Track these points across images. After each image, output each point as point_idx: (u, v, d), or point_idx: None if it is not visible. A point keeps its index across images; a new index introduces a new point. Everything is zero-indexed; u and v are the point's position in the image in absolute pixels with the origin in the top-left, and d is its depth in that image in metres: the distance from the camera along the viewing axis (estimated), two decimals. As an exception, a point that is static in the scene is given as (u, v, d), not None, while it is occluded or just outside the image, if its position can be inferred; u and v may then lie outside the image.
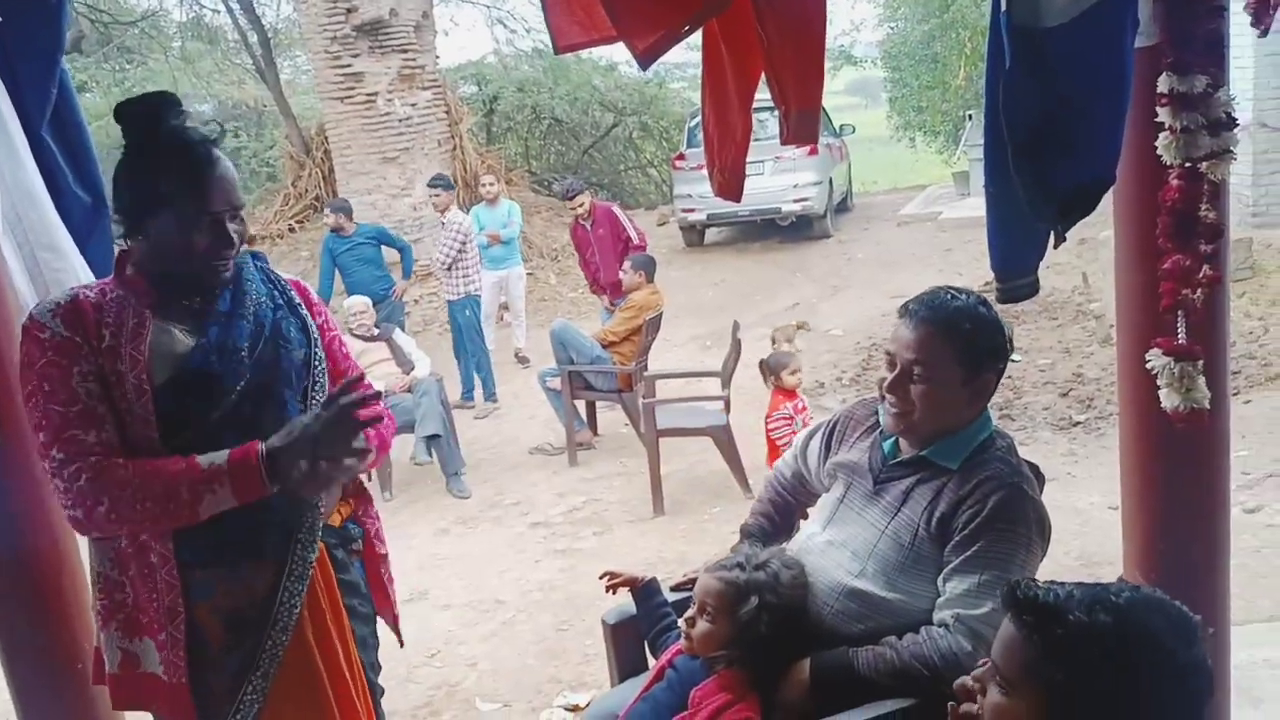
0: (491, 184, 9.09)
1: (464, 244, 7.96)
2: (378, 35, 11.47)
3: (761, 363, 5.51)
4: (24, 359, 1.82)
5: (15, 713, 2.34)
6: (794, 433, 4.78)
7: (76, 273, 2.31)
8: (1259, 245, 8.31)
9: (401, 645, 2.12)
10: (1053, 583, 1.30)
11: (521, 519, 5.82)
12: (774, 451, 5.13)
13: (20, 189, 2.22)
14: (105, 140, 4.89)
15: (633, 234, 8.06)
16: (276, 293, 2.01)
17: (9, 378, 2.12)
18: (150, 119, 1.82)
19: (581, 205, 7.98)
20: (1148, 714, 1.24)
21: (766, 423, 5.32)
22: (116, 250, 2.06)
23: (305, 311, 2.04)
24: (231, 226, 1.86)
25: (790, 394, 5.31)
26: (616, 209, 8.28)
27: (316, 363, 2.00)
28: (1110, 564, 4.31)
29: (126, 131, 1.83)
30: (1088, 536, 4.66)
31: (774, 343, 8.52)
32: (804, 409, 5.34)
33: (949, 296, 2.11)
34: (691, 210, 13.05)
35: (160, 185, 1.80)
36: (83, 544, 2.07)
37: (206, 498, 1.76)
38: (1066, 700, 1.25)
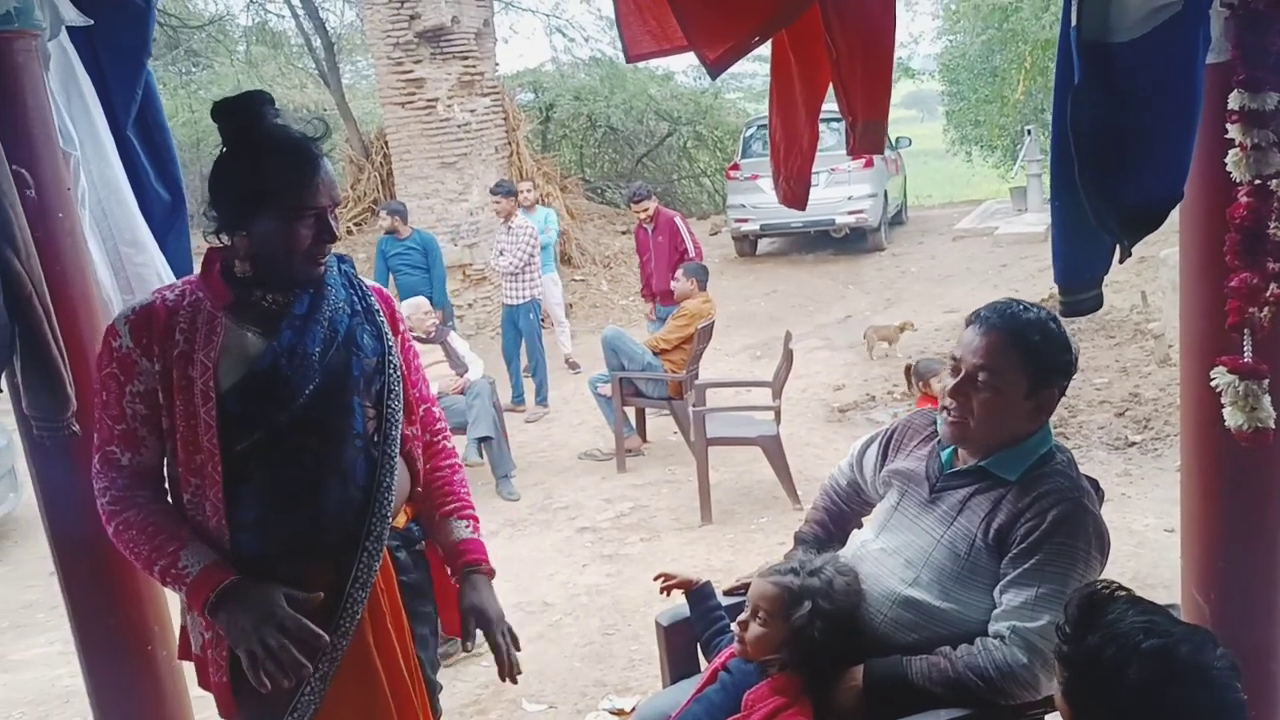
0: (529, 190, 9.17)
1: (532, 248, 8.04)
2: (439, 42, 11.62)
3: (908, 368, 5.36)
4: (99, 357, 1.89)
5: (86, 691, 2.42)
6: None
7: (156, 268, 2.39)
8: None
9: (468, 649, 2.11)
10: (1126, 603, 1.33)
11: (569, 523, 5.86)
12: None
13: (107, 185, 2.31)
14: (178, 140, 5.00)
15: (690, 246, 8.10)
16: (356, 298, 2.01)
17: (90, 369, 2.20)
18: (248, 117, 1.85)
19: (645, 210, 8.05)
20: None
21: None
22: (195, 247, 2.11)
23: (383, 319, 2.03)
24: (329, 222, 1.88)
25: (935, 401, 5.11)
26: (680, 219, 8.29)
27: (391, 371, 1.99)
28: (1165, 586, 4.26)
29: (224, 130, 1.85)
30: (1142, 558, 4.60)
31: (869, 344, 8.43)
32: None
33: (1021, 308, 2.11)
34: (745, 220, 13.06)
35: (266, 181, 1.81)
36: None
37: (168, 585, 1.87)
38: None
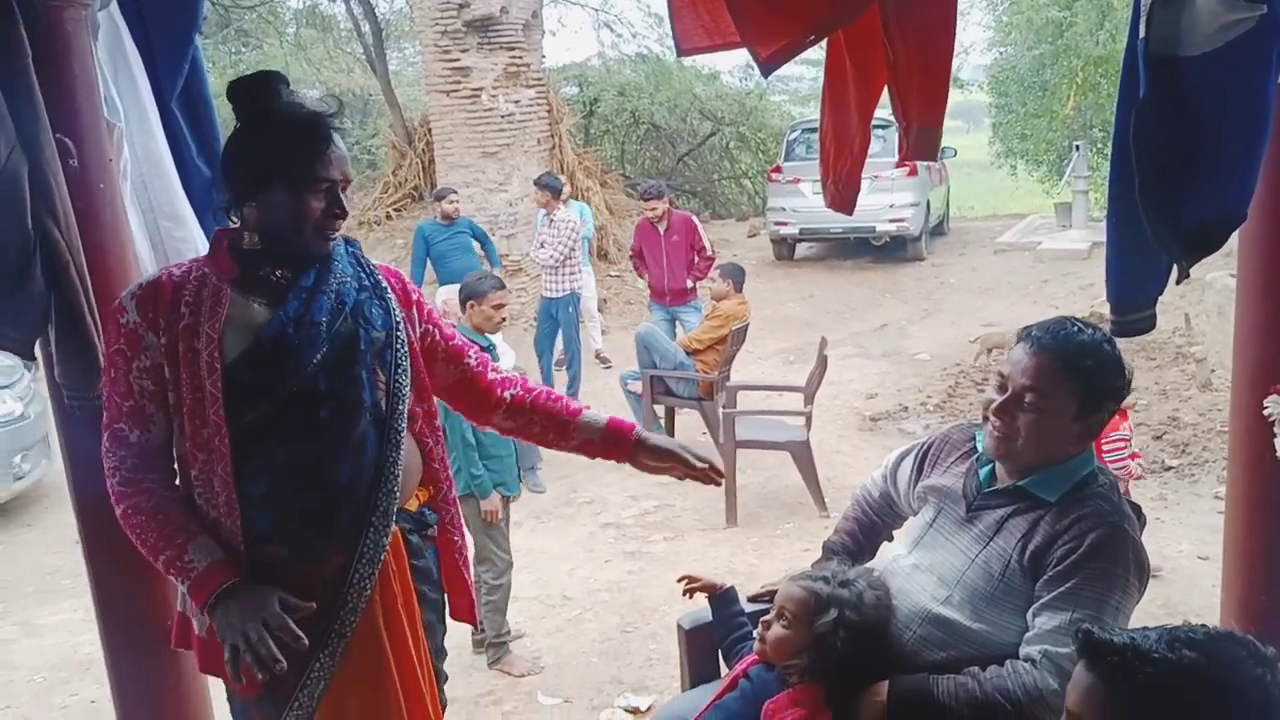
0: (563, 183, 9.19)
1: (574, 241, 8.04)
2: (487, 32, 11.63)
3: None
4: (107, 335, 1.91)
5: (106, 667, 2.42)
6: (1132, 456, 4.66)
7: (195, 243, 2.39)
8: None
9: (481, 631, 2.13)
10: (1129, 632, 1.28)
11: (594, 518, 5.85)
12: None
13: (150, 158, 2.31)
14: (223, 119, 5.04)
15: (707, 245, 8.08)
16: (364, 275, 2.02)
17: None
18: (262, 94, 1.86)
19: (655, 210, 7.98)
20: None
21: (1098, 444, 4.98)
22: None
23: (391, 297, 2.04)
24: (340, 194, 1.89)
25: (1124, 414, 4.91)
26: (695, 220, 8.29)
27: (399, 346, 2.00)
28: (1196, 614, 4.18)
29: (238, 107, 1.87)
30: (1174, 585, 4.53)
31: (987, 352, 8.27)
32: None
33: (1075, 329, 2.03)
34: (784, 224, 12.98)
35: (278, 156, 1.84)
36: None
37: (170, 579, 1.88)
38: None
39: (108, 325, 1.91)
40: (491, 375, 2.22)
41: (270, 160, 1.84)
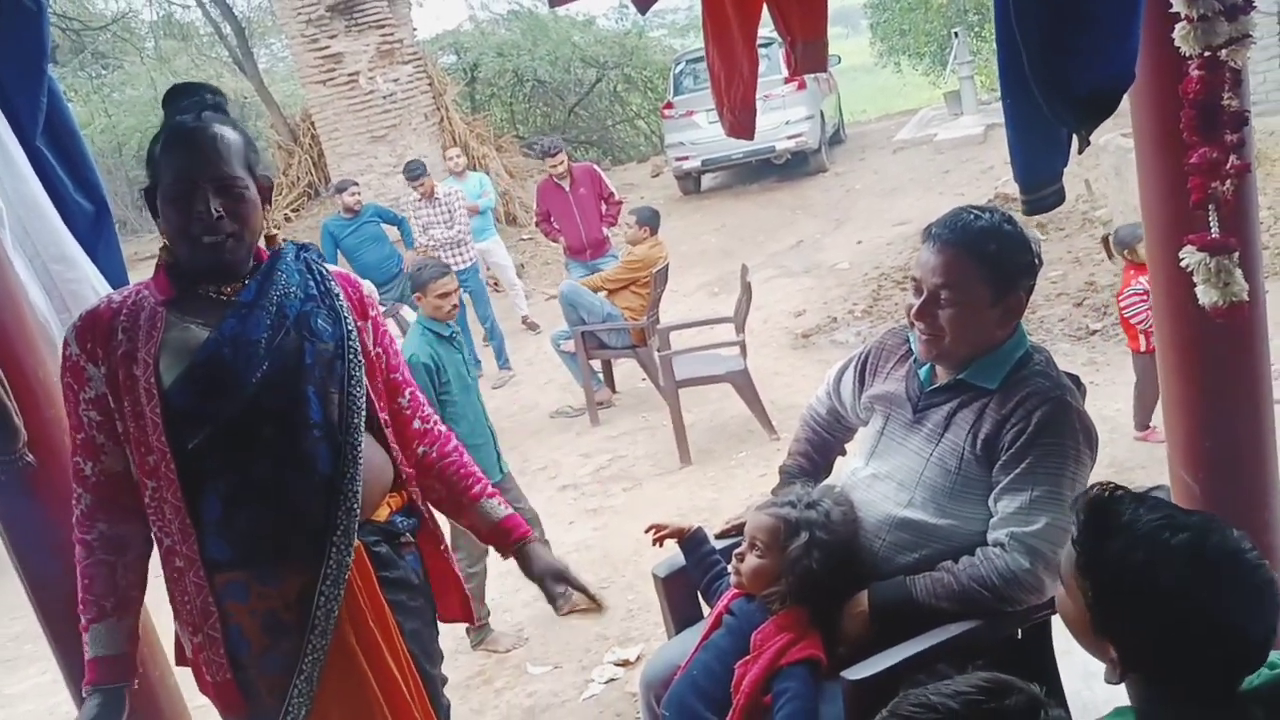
0: (458, 156, 9.08)
1: (462, 211, 8.01)
2: (353, 13, 11.34)
3: (1105, 238, 4.89)
4: (61, 369, 1.88)
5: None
6: (1150, 310, 4.17)
7: (91, 282, 2.29)
8: (1261, 133, 8.20)
9: (473, 625, 2.12)
10: (1137, 497, 1.30)
11: (550, 483, 5.83)
12: (1131, 333, 4.69)
13: (24, 202, 2.20)
14: (97, 147, 4.85)
15: (614, 191, 8.06)
16: (312, 283, 1.95)
17: (34, 394, 2.11)
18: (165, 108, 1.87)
19: (560, 164, 7.90)
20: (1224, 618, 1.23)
21: (1118, 301, 4.80)
22: (129, 255, 2.05)
23: (343, 304, 1.96)
24: (215, 200, 1.79)
25: (1144, 268, 4.40)
26: (596, 168, 8.23)
27: (351, 356, 1.93)
28: (1143, 468, 4.31)
29: None
30: (1117, 444, 4.65)
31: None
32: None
33: (972, 217, 2.06)
34: (685, 158, 12.93)
35: (151, 165, 1.84)
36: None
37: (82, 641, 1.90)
38: (1099, 613, 1.28)
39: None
40: (416, 424, 2.13)
41: (149, 172, 1.84)
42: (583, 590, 2.16)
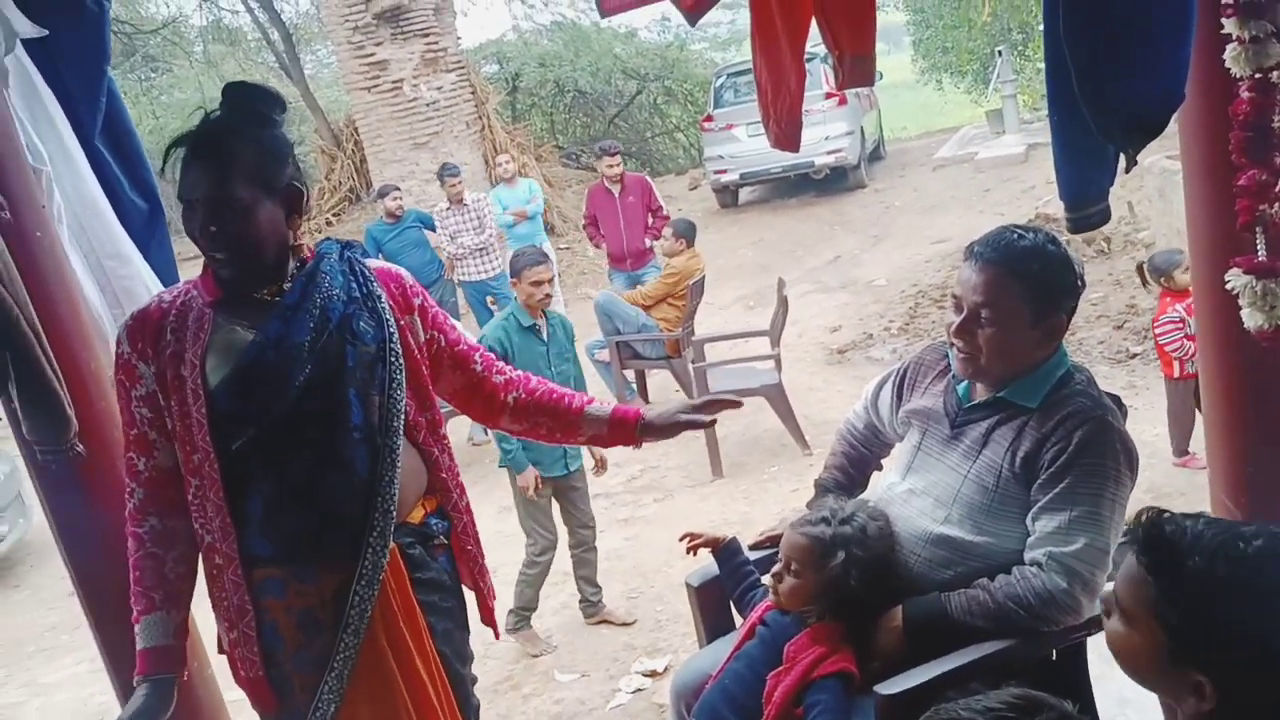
0: (507, 162, 9.05)
1: (487, 218, 8.01)
2: (398, 21, 11.46)
3: (1140, 266, 4.82)
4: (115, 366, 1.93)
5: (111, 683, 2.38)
6: (1187, 337, 4.29)
7: (143, 279, 2.34)
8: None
9: (497, 637, 2.14)
10: (1186, 516, 1.27)
11: (582, 491, 5.84)
12: (1165, 359, 4.65)
13: (82, 200, 2.26)
14: (146, 149, 4.92)
15: (662, 204, 8.05)
16: (355, 285, 1.95)
17: (86, 386, 2.16)
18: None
19: (615, 167, 7.90)
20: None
21: (1154, 328, 4.76)
22: (179, 253, 2.09)
23: (386, 305, 1.97)
24: (210, 221, 1.80)
25: (1179, 295, 4.47)
26: (648, 179, 8.24)
27: (393, 358, 1.94)
28: (1182, 495, 4.26)
29: None
30: (1155, 468, 4.60)
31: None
32: (1193, 311, 4.62)
33: (1015, 236, 2.04)
34: (723, 171, 12.94)
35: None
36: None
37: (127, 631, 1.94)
38: (1185, 641, 1.22)
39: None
40: (496, 379, 2.17)
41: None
42: (714, 403, 2.20)
